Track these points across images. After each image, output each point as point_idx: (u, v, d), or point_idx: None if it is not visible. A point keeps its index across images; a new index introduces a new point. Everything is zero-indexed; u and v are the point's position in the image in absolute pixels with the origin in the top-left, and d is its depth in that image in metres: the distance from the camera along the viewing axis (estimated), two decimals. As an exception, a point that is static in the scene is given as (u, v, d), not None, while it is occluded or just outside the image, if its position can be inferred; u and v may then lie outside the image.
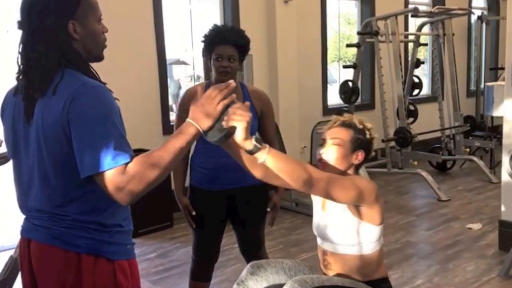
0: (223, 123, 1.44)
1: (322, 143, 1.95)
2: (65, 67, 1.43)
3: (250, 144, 1.52)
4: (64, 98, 1.37)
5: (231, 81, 1.46)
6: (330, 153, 1.91)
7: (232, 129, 1.45)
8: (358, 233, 1.91)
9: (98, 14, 1.51)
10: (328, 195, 1.75)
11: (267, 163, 1.59)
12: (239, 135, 1.47)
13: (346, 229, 1.91)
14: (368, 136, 1.95)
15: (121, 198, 1.35)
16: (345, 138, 1.91)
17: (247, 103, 1.50)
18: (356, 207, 1.88)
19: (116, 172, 1.33)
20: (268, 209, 2.60)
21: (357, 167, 1.97)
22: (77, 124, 1.35)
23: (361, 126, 1.94)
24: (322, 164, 1.91)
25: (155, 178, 1.35)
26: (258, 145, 1.53)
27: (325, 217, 1.99)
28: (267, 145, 1.58)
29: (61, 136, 1.38)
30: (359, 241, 1.91)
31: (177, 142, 1.38)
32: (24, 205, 1.55)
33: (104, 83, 1.46)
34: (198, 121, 1.40)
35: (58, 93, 1.39)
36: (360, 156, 1.93)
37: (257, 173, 1.81)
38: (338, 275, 1.98)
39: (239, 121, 1.44)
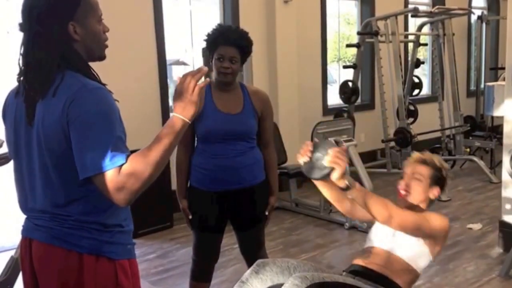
0: (323, 162, 1.69)
1: (403, 176, 2.16)
2: (65, 68, 1.43)
3: (343, 183, 1.74)
4: (64, 100, 1.37)
5: (203, 66, 1.50)
6: (411, 187, 2.11)
7: (331, 170, 1.70)
8: (417, 250, 2.05)
9: (98, 14, 1.52)
10: (404, 231, 1.97)
11: (355, 199, 1.84)
12: (336, 176, 1.70)
13: (410, 244, 2.05)
14: (444, 174, 2.15)
15: (119, 199, 1.36)
16: (425, 174, 2.11)
17: (345, 147, 1.66)
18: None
19: (113, 173, 1.34)
20: (267, 213, 2.61)
21: (431, 202, 2.16)
22: (76, 125, 1.36)
23: (439, 165, 2.14)
24: (403, 195, 2.12)
25: (150, 175, 1.36)
26: (350, 184, 1.76)
27: (393, 233, 2.10)
28: (356, 183, 1.81)
29: (61, 137, 1.39)
30: (413, 255, 2.06)
31: (167, 137, 1.40)
32: (25, 206, 1.55)
33: (104, 84, 1.47)
34: (182, 112, 1.42)
35: (58, 94, 1.39)
36: (436, 191, 2.12)
37: (342, 208, 2.17)
38: (367, 263, 2.08)
39: (338, 164, 1.69)
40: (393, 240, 2.06)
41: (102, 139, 1.35)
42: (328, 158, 1.69)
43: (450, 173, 2.19)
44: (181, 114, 1.42)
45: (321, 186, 1.96)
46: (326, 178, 1.72)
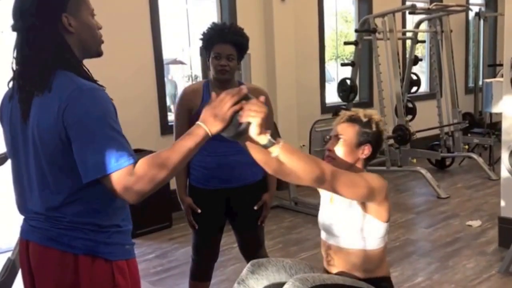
0: (238, 117, 1.46)
1: (329, 139, 1.97)
2: (58, 65, 1.41)
3: (264, 138, 1.54)
4: (58, 102, 1.36)
5: (243, 87, 1.45)
6: (336, 149, 1.93)
7: (248, 125, 1.47)
8: (364, 228, 1.92)
9: (90, 8, 1.51)
10: (338, 192, 1.76)
11: (280, 157, 1.61)
12: (253, 130, 1.49)
13: (352, 224, 1.92)
14: (374, 129, 1.94)
15: (129, 198, 1.36)
16: (350, 133, 1.92)
17: (262, 97, 1.52)
18: (364, 202, 1.90)
19: (122, 173, 1.33)
20: (255, 207, 2.54)
21: (366, 161, 1.98)
22: (76, 128, 1.34)
23: (366, 120, 1.93)
24: (328, 160, 1.93)
25: (163, 178, 1.36)
26: (272, 140, 1.56)
27: (332, 210, 2.00)
28: (281, 140, 1.60)
29: (57, 140, 1.37)
30: (364, 236, 1.92)
31: (186, 143, 1.39)
32: (22, 207, 1.54)
33: (95, 81, 1.45)
34: (208, 124, 1.41)
35: (52, 92, 1.38)
36: (366, 150, 1.94)
37: (269, 169, 1.77)
38: (341, 273, 1.98)
39: (254, 117, 1.46)
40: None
41: (103, 141, 1.34)
42: (242, 112, 1.45)
43: (382, 123, 1.97)
44: (206, 125, 1.40)
45: (247, 147, 1.67)
46: (242, 135, 1.50)
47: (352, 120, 1.94)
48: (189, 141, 1.39)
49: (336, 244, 1.98)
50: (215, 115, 1.40)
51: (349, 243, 1.95)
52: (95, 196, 1.39)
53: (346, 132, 1.93)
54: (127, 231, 1.56)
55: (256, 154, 1.71)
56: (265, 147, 1.58)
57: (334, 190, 1.75)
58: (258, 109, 1.47)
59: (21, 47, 1.44)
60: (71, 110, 1.34)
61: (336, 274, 2.00)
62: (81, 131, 1.34)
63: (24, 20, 1.42)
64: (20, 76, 1.44)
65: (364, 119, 1.93)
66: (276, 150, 1.58)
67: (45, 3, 1.42)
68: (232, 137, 1.52)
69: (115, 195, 1.36)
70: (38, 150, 1.41)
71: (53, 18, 1.42)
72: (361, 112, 1.97)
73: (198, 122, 1.41)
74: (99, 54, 1.54)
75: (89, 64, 1.53)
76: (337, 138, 1.94)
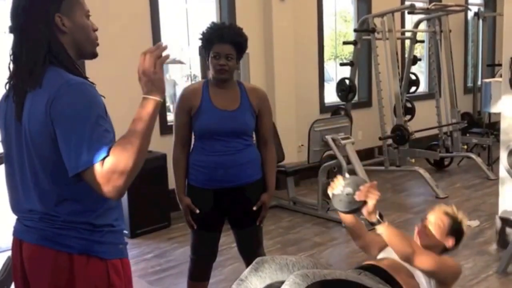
0: (355, 197, 1.75)
1: (424, 219, 2.27)
2: (50, 62, 1.42)
3: (374, 217, 1.83)
4: (46, 97, 1.36)
5: (161, 42, 1.46)
6: (429, 229, 2.21)
7: (363, 204, 1.77)
8: (427, 280, 2.12)
9: (85, 9, 1.51)
10: (419, 269, 2.06)
11: (383, 235, 1.94)
12: (369, 208, 1.79)
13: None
14: (464, 230, 2.27)
15: (109, 192, 1.33)
16: (445, 223, 2.22)
17: (375, 182, 1.79)
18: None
19: (99, 167, 1.31)
20: (254, 208, 2.55)
21: (444, 250, 2.23)
22: (60, 121, 1.34)
23: (459, 219, 2.26)
24: (420, 235, 2.22)
25: (133, 166, 1.33)
26: (380, 220, 1.85)
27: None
28: (386, 221, 1.90)
29: (47, 137, 1.37)
30: (423, 279, 2.12)
31: (142, 123, 1.36)
32: (16, 206, 1.54)
33: (86, 78, 1.45)
34: (151, 93, 1.39)
35: (43, 88, 1.38)
36: (451, 242, 2.21)
37: (359, 243, 2.25)
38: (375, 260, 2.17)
39: (370, 198, 1.76)
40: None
41: (86, 133, 1.33)
42: (360, 193, 1.75)
43: (468, 230, 2.31)
44: (151, 95, 1.39)
45: (347, 220, 2.04)
46: (356, 212, 1.81)
47: (449, 214, 2.25)
48: (145, 119, 1.36)
49: (395, 259, 2.14)
50: (150, 82, 1.40)
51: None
52: (89, 194, 1.38)
53: (443, 221, 2.22)
54: (120, 231, 1.56)
55: (352, 229, 2.10)
56: (373, 224, 1.83)
57: (417, 267, 2.03)
58: (374, 192, 1.76)
59: (15, 46, 1.45)
60: (56, 104, 1.34)
61: (371, 263, 2.13)
62: (65, 125, 1.34)
63: (17, 19, 1.43)
64: (14, 74, 1.45)
65: (459, 218, 2.26)
66: (381, 229, 1.88)
67: (37, 3, 1.43)
68: (347, 213, 1.84)
69: (97, 190, 1.34)
70: (30, 148, 1.42)
71: (45, 17, 1.42)
72: (457, 212, 2.29)
73: (143, 96, 1.39)
74: (93, 55, 1.54)
75: (89, 63, 1.53)
76: (434, 221, 2.22)
